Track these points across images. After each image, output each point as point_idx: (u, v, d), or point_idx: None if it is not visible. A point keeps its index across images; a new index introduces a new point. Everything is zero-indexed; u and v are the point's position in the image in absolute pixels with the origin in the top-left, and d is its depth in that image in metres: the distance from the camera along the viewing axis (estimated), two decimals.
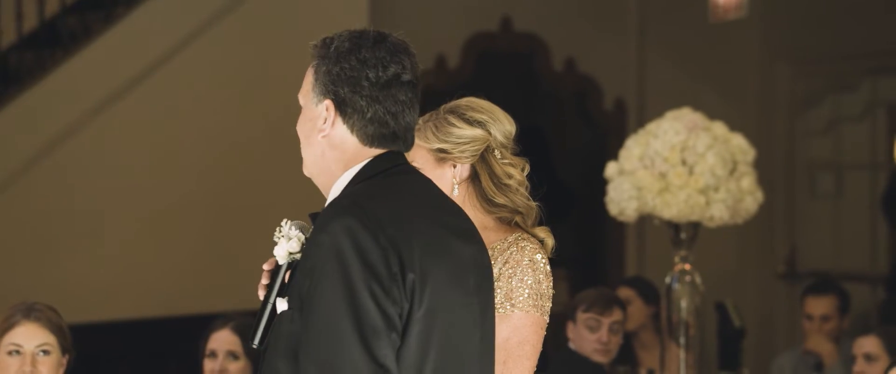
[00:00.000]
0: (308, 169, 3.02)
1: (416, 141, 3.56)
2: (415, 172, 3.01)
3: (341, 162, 2.95)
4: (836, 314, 6.62)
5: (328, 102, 2.93)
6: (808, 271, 9.64)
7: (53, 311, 4.27)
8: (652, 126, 5.86)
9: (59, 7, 8.51)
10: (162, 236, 8.09)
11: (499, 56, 9.83)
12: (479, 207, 3.55)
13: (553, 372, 5.58)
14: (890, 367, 4.53)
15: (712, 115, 6.00)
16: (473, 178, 3.55)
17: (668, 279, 5.93)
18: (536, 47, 9.88)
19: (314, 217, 2.94)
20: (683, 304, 5.88)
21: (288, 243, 2.94)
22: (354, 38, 2.95)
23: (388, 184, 2.91)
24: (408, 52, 2.99)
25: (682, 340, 5.90)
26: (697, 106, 6.05)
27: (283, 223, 2.97)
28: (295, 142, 9.03)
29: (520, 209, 3.55)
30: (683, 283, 5.89)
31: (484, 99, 3.62)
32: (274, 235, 2.97)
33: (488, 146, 3.54)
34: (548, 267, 3.49)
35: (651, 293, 6.73)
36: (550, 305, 3.50)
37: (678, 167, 5.72)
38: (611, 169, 5.88)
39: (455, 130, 3.53)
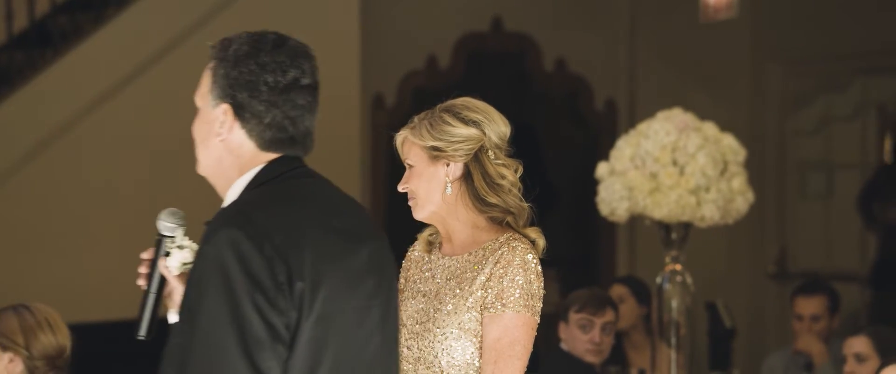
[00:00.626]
0: (203, 170, 2.99)
1: (411, 138, 3.57)
2: (312, 176, 2.97)
3: (236, 166, 2.92)
4: (826, 313, 6.63)
5: (226, 106, 2.89)
6: (799, 271, 9.66)
7: (25, 309, 4.26)
8: (643, 126, 5.87)
9: (50, 7, 8.50)
10: (154, 236, 8.07)
11: (490, 56, 9.83)
12: (471, 206, 3.56)
13: (545, 372, 5.59)
14: (881, 367, 4.54)
15: (703, 115, 6.01)
16: (466, 177, 3.56)
17: (658, 279, 5.94)
18: (527, 48, 9.88)
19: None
20: (674, 304, 5.89)
21: (180, 252, 2.93)
22: (254, 42, 2.91)
23: (281, 190, 2.88)
24: (307, 55, 2.94)
25: (672, 340, 5.91)
26: (688, 106, 6.06)
27: (177, 232, 2.95)
28: None
29: (512, 210, 3.56)
30: (674, 283, 5.89)
31: (479, 99, 3.63)
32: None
33: (482, 146, 3.55)
34: (539, 267, 3.50)
35: (644, 293, 6.74)
36: (541, 305, 3.51)
37: (669, 168, 5.72)
38: (602, 169, 5.88)
39: (450, 129, 3.54)
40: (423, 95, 9.10)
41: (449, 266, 3.57)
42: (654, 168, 5.73)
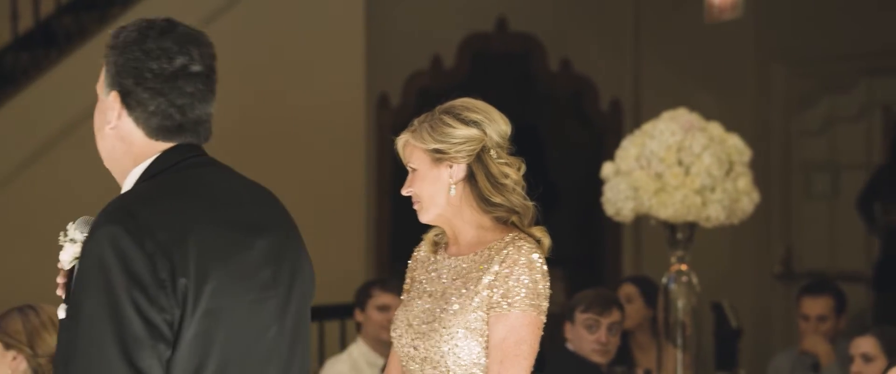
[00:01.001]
0: (105, 162, 2.97)
1: (412, 142, 3.56)
2: (208, 165, 2.91)
3: (129, 155, 2.89)
4: (833, 314, 6.62)
5: (114, 94, 2.87)
6: (805, 271, 9.65)
7: (32, 309, 4.27)
8: (648, 126, 5.86)
9: (55, 7, 8.51)
10: None
11: (494, 57, 9.83)
12: (475, 206, 3.56)
13: (550, 372, 5.58)
14: (888, 368, 4.53)
15: (708, 115, 6.00)
16: (470, 178, 3.55)
17: (664, 280, 5.93)
18: (532, 48, 9.87)
19: None
20: (680, 304, 5.88)
21: (72, 247, 2.87)
22: (142, 29, 2.88)
23: (172, 181, 2.84)
24: (198, 42, 2.91)
25: (678, 340, 5.90)
26: (693, 106, 6.05)
27: (69, 226, 2.90)
28: (296, 139, 9.10)
29: (516, 209, 3.55)
30: (680, 283, 5.88)
31: (479, 99, 3.62)
32: (59, 238, 2.90)
33: (484, 146, 3.55)
34: (545, 267, 3.50)
35: (653, 295, 6.73)
36: (548, 304, 3.50)
37: (674, 168, 5.72)
38: (607, 169, 5.88)
39: (451, 131, 3.53)
40: (428, 96, 9.09)
41: (455, 266, 3.56)
42: (659, 168, 5.73)
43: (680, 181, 5.69)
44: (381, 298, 6.21)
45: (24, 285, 7.56)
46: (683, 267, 5.89)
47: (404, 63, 9.51)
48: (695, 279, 5.90)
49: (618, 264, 9.97)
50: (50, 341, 4.23)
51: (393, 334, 3.60)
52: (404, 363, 3.57)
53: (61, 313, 2.82)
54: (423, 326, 3.52)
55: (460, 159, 3.54)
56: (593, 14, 9.93)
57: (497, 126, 3.57)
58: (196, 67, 2.88)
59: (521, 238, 3.51)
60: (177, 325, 2.71)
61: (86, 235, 2.83)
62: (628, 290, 6.71)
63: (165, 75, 2.84)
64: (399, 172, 3.74)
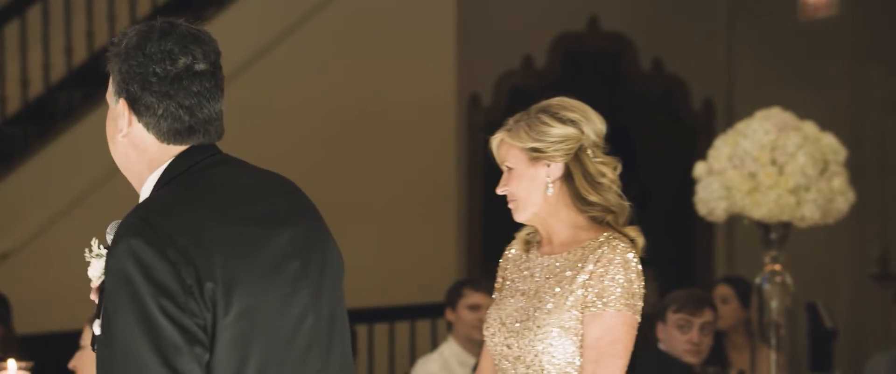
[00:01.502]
0: (121, 170, 2.94)
1: (508, 140, 3.56)
2: (223, 164, 2.87)
3: (144, 161, 2.86)
4: None
5: (122, 101, 2.83)
6: None
7: None
8: (741, 126, 5.82)
9: (151, 9, 8.61)
10: None
11: (586, 56, 9.81)
12: (571, 206, 3.55)
13: (642, 373, 5.56)
14: None
15: (802, 114, 5.95)
16: (566, 177, 3.55)
17: (758, 280, 5.89)
18: (624, 47, 9.84)
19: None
20: (774, 304, 5.84)
21: (99, 261, 2.85)
22: (142, 33, 2.82)
23: (188, 186, 2.80)
24: (201, 40, 2.83)
25: (772, 341, 5.85)
26: (787, 105, 6.00)
27: (92, 242, 2.88)
28: (388, 140, 9.12)
29: (612, 208, 3.55)
30: (774, 283, 5.84)
31: (574, 99, 3.62)
32: (85, 255, 2.87)
33: (581, 145, 3.54)
34: (639, 266, 3.48)
35: (748, 295, 6.69)
36: (642, 304, 3.49)
37: (768, 167, 5.67)
38: (700, 169, 5.84)
39: (548, 129, 3.53)
40: (520, 95, 9.10)
41: (548, 265, 3.56)
42: (752, 167, 5.69)
43: (774, 181, 5.65)
44: (473, 297, 6.22)
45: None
46: (777, 267, 5.84)
47: (495, 63, 9.52)
48: (789, 280, 5.85)
49: (710, 265, 9.91)
50: None
51: (485, 333, 3.61)
52: (497, 362, 3.57)
53: (96, 329, 2.81)
54: (517, 324, 3.52)
55: (558, 158, 3.53)
56: (686, 12, 9.87)
57: (594, 125, 3.56)
58: (200, 66, 2.82)
59: (615, 237, 3.50)
60: (210, 329, 2.70)
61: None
62: (724, 290, 6.67)
63: (170, 77, 2.79)
64: (491, 173, 3.74)
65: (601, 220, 3.55)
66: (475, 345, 6.09)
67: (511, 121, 3.60)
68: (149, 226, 2.70)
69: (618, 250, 3.46)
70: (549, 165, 3.54)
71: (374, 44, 8.54)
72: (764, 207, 5.65)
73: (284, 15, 8.34)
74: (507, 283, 3.64)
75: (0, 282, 6.87)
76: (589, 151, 3.54)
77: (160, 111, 2.79)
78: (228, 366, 2.71)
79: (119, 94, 2.83)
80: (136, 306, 2.65)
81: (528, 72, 9.64)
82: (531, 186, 3.55)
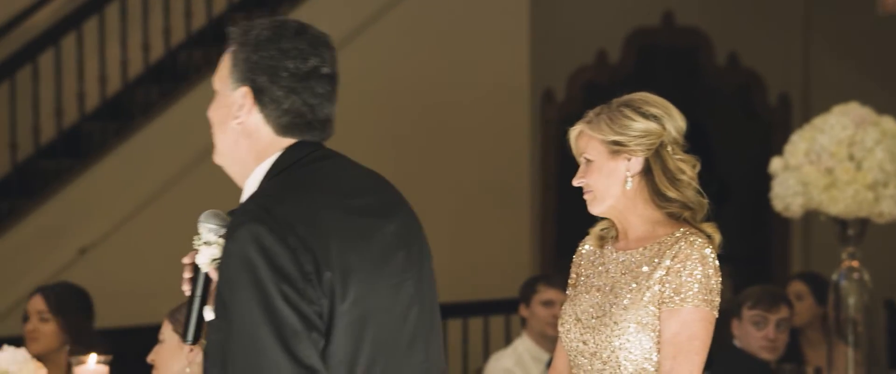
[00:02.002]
0: (220, 157, 2.97)
1: (589, 132, 3.56)
2: (331, 157, 2.94)
3: (253, 151, 2.90)
4: None
5: (245, 89, 2.88)
6: None
7: None
8: (818, 121, 5.78)
9: (227, 6, 8.68)
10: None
11: (660, 51, 9.77)
12: (649, 200, 3.54)
13: (718, 369, 5.53)
14: None
15: (881, 109, 5.89)
16: (646, 172, 3.54)
17: (835, 276, 5.84)
18: (699, 42, 9.79)
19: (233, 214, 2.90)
20: (851, 301, 5.79)
21: (209, 249, 2.89)
22: (275, 28, 2.90)
23: (300, 177, 2.86)
24: (328, 45, 2.93)
25: (850, 338, 5.81)
26: (865, 100, 5.94)
27: (200, 229, 2.91)
28: (461, 135, 9.10)
29: (691, 205, 3.54)
30: (851, 280, 5.79)
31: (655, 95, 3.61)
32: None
33: (662, 141, 3.53)
34: (717, 262, 3.47)
35: (823, 292, 6.64)
36: (719, 300, 3.47)
37: (845, 162, 5.63)
38: (776, 164, 5.81)
39: (630, 123, 3.52)
40: (594, 90, 9.08)
41: (623, 261, 3.55)
42: (829, 163, 5.65)
43: (851, 176, 5.60)
44: (546, 293, 6.22)
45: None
46: (855, 264, 5.80)
47: (569, 58, 9.50)
48: (867, 276, 5.80)
49: (786, 261, 9.84)
50: None
51: (560, 328, 3.61)
52: (572, 358, 3.57)
53: (209, 314, 2.85)
54: (593, 320, 3.52)
55: (639, 153, 3.53)
56: (761, 6, 9.81)
57: (675, 122, 3.55)
58: (326, 69, 2.90)
59: (692, 233, 3.49)
60: (327, 316, 2.75)
61: (219, 234, 2.87)
62: (798, 287, 6.62)
63: (300, 75, 2.87)
64: (564, 168, 3.74)
65: (678, 216, 3.54)
66: (549, 341, 6.09)
67: (591, 113, 3.59)
68: (269, 213, 2.75)
69: (695, 246, 3.45)
70: (629, 159, 3.53)
71: (447, 39, 8.56)
72: (841, 202, 5.60)
73: (358, 11, 8.38)
74: (582, 279, 3.64)
75: (79, 276, 6.95)
76: (669, 148, 3.54)
77: (285, 105, 2.87)
78: (343, 353, 2.77)
79: (242, 82, 2.89)
80: (257, 291, 2.71)
81: (601, 67, 9.61)
82: (610, 179, 3.54)
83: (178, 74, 8.42)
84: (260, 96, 2.87)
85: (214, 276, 2.89)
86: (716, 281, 3.47)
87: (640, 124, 3.52)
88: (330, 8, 8.37)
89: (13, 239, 7.81)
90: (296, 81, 2.86)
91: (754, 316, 5.70)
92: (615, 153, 3.53)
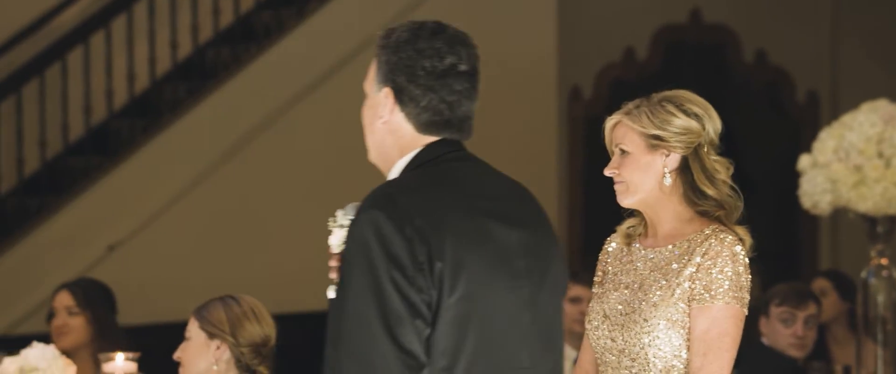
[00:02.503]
0: (372, 156, 3.13)
1: (628, 123, 3.55)
2: (467, 159, 3.07)
3: (397, 148, 3.05)
4: None
5: (387, 90, 3.03)
6: None
7: (233, 300, 4.35)
8: (847, 118, 5.75)
9: (254, 3, 8.70)
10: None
11: (688, 48, 9.75)
12: (683, 198, 3.54)
13: (746, 367, 5.52)
14: None
15: None
16: (682, 169, 3.54)
17: (863, 274, 5.82)
18: (726, 39, 9.77)
19: None
20: (880, 299, 5.77)
21: (342, 231, 3.03)
22: (413, 29, 3.05)
23: (433, 173, 3.00)
24: (466, 43, 3.07)
25: (878, 336, 5.79)
26: (894, 97, 5.92)
27: (337, 212, 3.07)
28: (487, 132, 9.14)
29: (725, 204, 3.53)
30: (880, 278, 5.77)
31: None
32: (329, 223, 3.06)
33: (700, 141, 3.53)
34: (747, 260, 3.47)
35: (847, 288, 6.61)
36: (749, 298, 3.47)
37: (874, 160, 5.61)
38: (804, 162, 5.79)
39: (672, 119, 3.52)
40: (621, 88, 9.07)
41: (652, 258, 3.55)
42: (858, 160, 5.62)
43: (880, 174, 5.58)
44: (573, 290, 6.21)
45: (225, 275, 7.76)
46: (884, 261, 5.77)
47: (596, 55, 9.49)
48: None
49: (814, 259, 9.80)
50: (251, 330, 4.32)
51: (588, 326, 3.60)
52: (600, 355, 3.57)
53: (331, 293, 2.99)
54: (621, 317, 3.51)
55: (678, 149, 3.52)
56: (790, 3, 9.77)
57: (714, 123, 3.56)
58: (464, 67, 3.04)
59: (723, 230, 3.49)
60: (434, 306, 2.87)
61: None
62: (821, 284, 6.61)
63: (437, 73, 3.01)
64: (592, 165, 3.73)
65: (711, 215, 3.53)
66: (576, 338, 6.09)
67: (630, 105, 3.59)
68: (392, 202, 2.90)
69: (726, 243, 3.45)
70: (667, 155, 3.53)
71: (475, 36, 8.54)
72: (870, 200, 5.58)
73: (385, 8, 8.38)
74: (609, 276, 3.63)
75: (107, 273, 6.98)
76: (705, 148, 3.54)
77: (423, 103, 3.02)
78: (446, 345, 2.88)
79: (384, 83, 3.04)
80: (370, 274, 2.85)
81: (629, 64, 9.60)
82: (645, 173, 3.54)
83: (205, 72, 8.44)
84: (400, 96, 3.02)
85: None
86: (746, 278, 3.46)
87: (682, 121, 3.52)
88: (357, 5, 8.38)
89: (42, 236, 7.84)
90: (432, 79, 3.01)
91: (782, 313, 5.69)
92: (653, 147, 3.52)
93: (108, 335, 5.46)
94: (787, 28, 9.76)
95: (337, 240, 3.04)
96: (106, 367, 4.64)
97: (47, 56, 8.11)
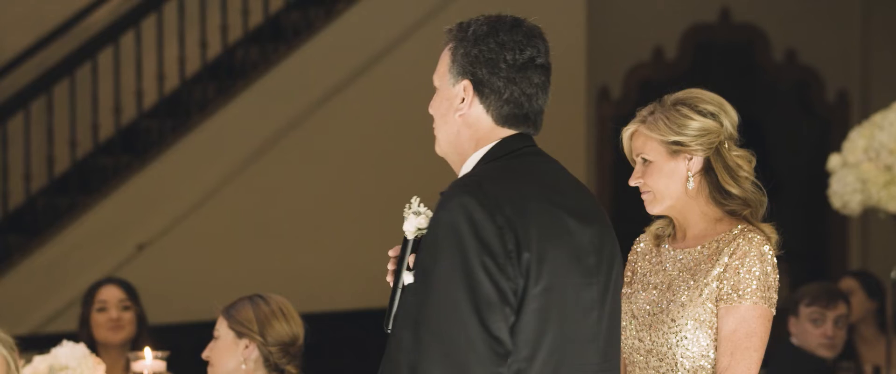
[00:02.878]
0: (441, 148, 3.13)
1: (646, 132, 3.54)
2: (541, 155, 3.09)
3: (473, 140, 3.05)
4: None
5: (466, 83, 3.04)
6: None
7: (262, 299, 4.36)
8: (877, 117, 5.74)
9: (284, 3, 8.71)
10: (381, 227, 8.21)
11: (717, 47, 9.72)
12: (710, 198, 3.53)
13: (775, 367, 5.50)
14: None
15: None
16: (706, 170, 3.53)
17: (893, 274, 5.80)
18: (756, 38, 9.73)
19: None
20: None
21: (416, 218, 3.03)
22: (492, 22, 3.08)
23: (513, 166, 3.01)
24: (542, 37, 3.10)
25: None
26: None
27: (412, 200, 3.06)
28: None
29: (751, 202, 3.52)
30: None
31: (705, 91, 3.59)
32: (403, 211, 3.05)
33: (720, 139, 3.51)
34: (775, 259, 3.46)
35: (875, 287, 6.60)
36: (777, 298, 3.46)
37: None
38: (834, 161, 5.78)
39: (689, 122, 3.50)
40: (650, 88, 9.04)
41: (681, 259, 3.54)
42: (888, 160, 5.61)
43: None
44: None
45: (253, 274, 7.78)
46: None
47: (625, 55, 9.47)
48: None
49: (844, 258, 9.77)
50: (280, 329, 4.33)
51: None
52: (627, 355, 3.56)
53: (408, 278, 2.97)
54: (649, 317, 3.51)
55: (700, 152, 3.51)
56: (819, 2, 9.73)
57: (730, 117, 3.54)
58: (541, 60, 3.07)
59: (751, 230, 3.47)
60: (520, 295, 2.89)
61: (427, 209, 3.03)
62: (848, 284, 6.59)
63: (518, 66, 3.03)
64: (620, 165, 3.72)
65: (738, 214, 3.52)
66: None
67: (644, 112, 3.57)
68: (481, 189, 2.92)
69: (754, 243, 3.44)
70: (689, 159, 3.52)
71: None
72: None
73: (414, 8, 8.38)
74: (638, 276, 3.63)
75: (136, 272, 7.01)
76: (726, 144, 3.52)
77: (506, 95, 3.03)
78: (529, 333, 2.90)
79: (462, 75, 3.05)
80: (461, 258, 2.86)
81: (658, 64, 9.58)
82: (670, 179, 3.52)
83: (235, 72, 8.47)
84: (480, 88, 3.03)
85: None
86: (774, 278, 3.45)
87: (698, 123, 3.50)
88: (385, 5, 8.39)
89: (72, 235, 7.88)
90: (514, 71, 3.02)
91: (812, 313, 5.67)
92: (675, 153, 3.51)
93: (148, 332, 5.50)
94: (816, 27, 9.72)
95: (411, 226, 3.04)
96: (135, 365, 4.66)
97: (78, 56, 8.15)
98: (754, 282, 3.42)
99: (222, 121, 8.10)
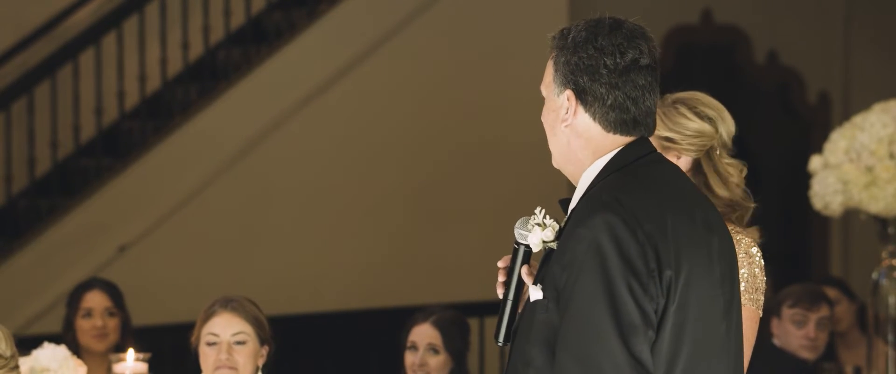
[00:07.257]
0: (556, 160, 3.05)
1: None
2: (663, 161, 3.01)
3: (588, 150, 2.97)
4: None
5: (569, 92, 2.96)
6: None
7: (252, 303, 4.36)
8: (858, 119, 5.75)
9: (265, 4, 8.70)
10: (363, 229, 8.21)
11: (699, 49, 9.74)
12: None
13: (757, 369, 5.50)
14: None
15: None
16: (695, 172, 3.53)
17: (875, 275, 5.81)
18: (738, 40, 9.75)
19: (563, 203, 2.99)
20: (891, 300, 5.76)
21: (542, 231, 2.95)
22: (591, 27, 2.99)
23: (640, 176, 2.92)
24: (645, 36, 2.99)
25: (889, 337, 5.78)
26: None
27: (536, 211, 2.99)
28: (491, 140, 9.13)
29: (737, 206, 3.52)
30: (891, 279, 5.76)
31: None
32: (528, 222, 2.97)
33: (712, 144, 3.52)
34: (762, 261, 3.46)
35: (851, 291, 6.62)
36: (763, 299, 3.46)
37: (886, 161, 5.60)
38: (815, 163, 5.78)
39: (685, 122, 3.51)
40: None
41: None
42: (869, 161, 5.62)
43: (892, 175, 5.58)
44: None
45: (231, 276, 7.76)
46: (895, 262, 5.76)
47: None
48: None
49: (825, 260, 9.79)
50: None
51: None
52: None
53: (537, 294, 2.88)
54: None
55: (690, 152, 3.52)
56: (801, 4, 9.76)
57: (727, 126, 3.55)
58: (645, 60, 2.96)
59: (738, 232, 3.48)
60: (660, 314, 2.81)
61: (553, 220, 2.96)
62: (831, 294, 6.58)
63: (619, 70, 2.93)
64: None
65: (726, 216, 3.52)
66: None
67: None
68: (621, 205, 2.83)
69: (741, 245, 3.45)
70: (678, 157, 3.52)
71: (487, 40, 8.55)
72: (881, 201, 5.58)
73: (396, 9, 8.38)
74: None
75: (118, 273, 6.99)
76: (718, 151, 3.52)
77: (609, 101, 2.93)
78: (666, 352, 2.82)
79: (565, 85, 2.97)
80: (604, 279, 2.77)
81: None
82: None
83: (217, 73, 8.45)
84: (583, 96, 2.95)
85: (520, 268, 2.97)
86: (761, 280, 3.46)
87: (695, 124, 3.51)
88: (368, 6, 8.38)
89: (53, 237, 7.85)
90: (616, 76, 2.93)
91: (795, 315, 5.68)
92: (665, 149, 3.52)
93: (131, 338, 5.43)
94: (798, 28, 9.74)
95: (537, 239, 2.95)
96: (117, 367, 4.64)
97: (59, 57, 8.12)
98: (742, 284, 3.42)
99: (204, 122, 8.09)
